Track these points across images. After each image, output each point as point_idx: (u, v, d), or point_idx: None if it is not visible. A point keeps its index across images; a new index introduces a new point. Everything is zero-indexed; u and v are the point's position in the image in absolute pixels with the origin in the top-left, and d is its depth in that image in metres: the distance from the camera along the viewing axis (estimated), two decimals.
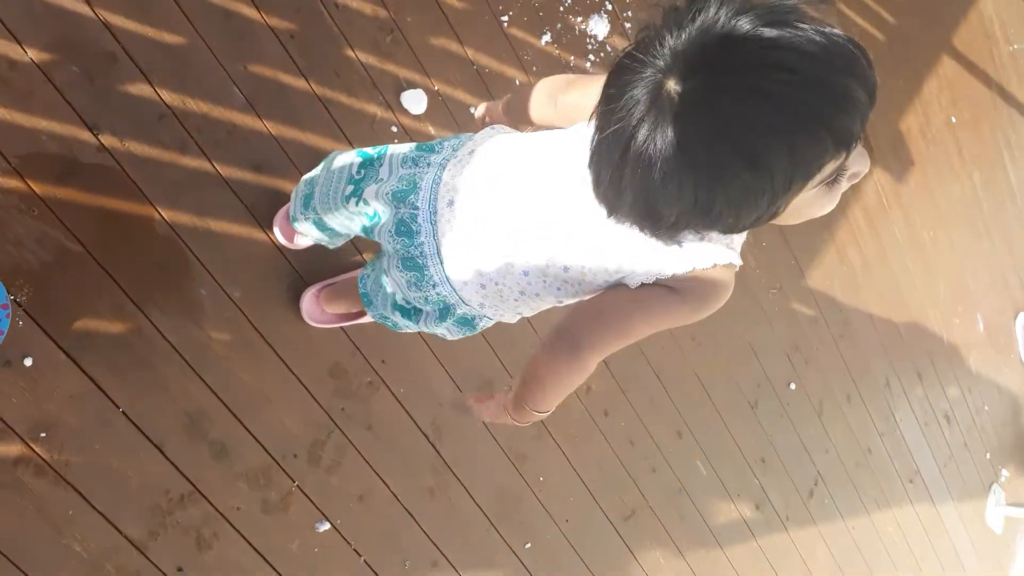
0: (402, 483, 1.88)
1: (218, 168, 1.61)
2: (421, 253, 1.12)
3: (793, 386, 2.87)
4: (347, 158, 1.29)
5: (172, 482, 1.58)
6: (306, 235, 1.49)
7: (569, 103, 1.10)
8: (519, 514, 2.11)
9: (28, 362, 1.43)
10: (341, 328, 1.76)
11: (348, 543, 1.80)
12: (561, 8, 2.16)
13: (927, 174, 3.46)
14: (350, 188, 1.25)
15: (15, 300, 1.42)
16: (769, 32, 0.65)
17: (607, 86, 0.77)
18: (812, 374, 2.95)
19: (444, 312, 1.21)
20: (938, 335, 3.58)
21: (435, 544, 1.94)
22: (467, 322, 1.22)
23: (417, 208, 1.11)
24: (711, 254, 0.87)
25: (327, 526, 1.76)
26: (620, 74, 0.74)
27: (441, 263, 1.11)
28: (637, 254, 0.90)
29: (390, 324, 1.41)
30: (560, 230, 0.98)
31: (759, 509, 2.79)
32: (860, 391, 3.17)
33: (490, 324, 1.23)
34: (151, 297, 1.54)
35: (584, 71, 2.19)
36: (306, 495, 1.73)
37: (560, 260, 0.99)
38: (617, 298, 0.94)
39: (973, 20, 3.73)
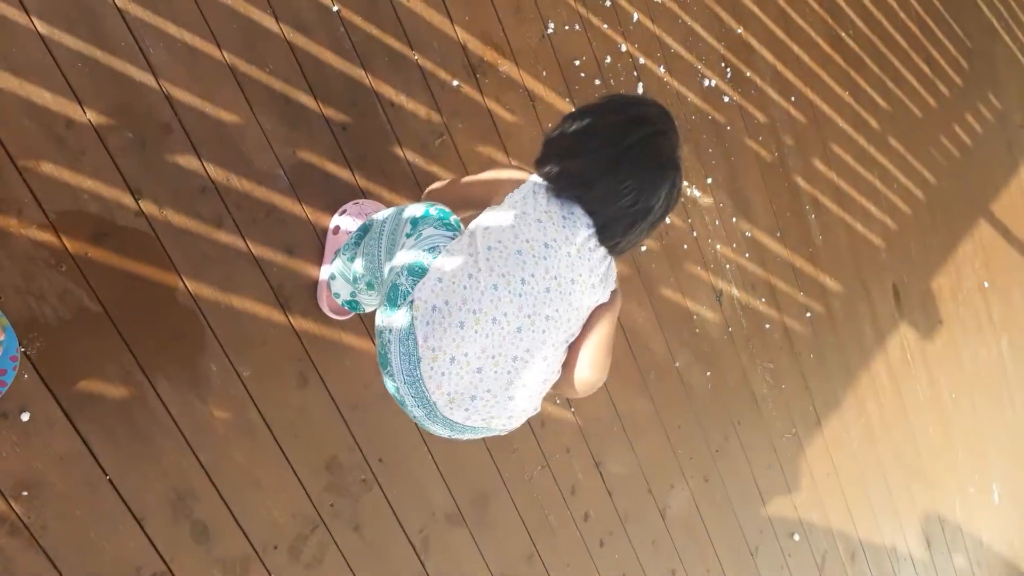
0: None
1: (250, 246, 1.62)
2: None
3: (797, 536, 2.77)
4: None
5: (146, 559, 1.52)
6: (340, 293, 1.63)
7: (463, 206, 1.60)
8: None
9: (25, 417, 1.40)
10: (344, 421, 1.72)
11: None
12: None
13: (955, 335, 3.42)
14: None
15: (25, 352, 1.40)
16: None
17: None
18: (817, 526, 2.85)
19: None
20: (951, 501, 3.46)
21: None
22: None
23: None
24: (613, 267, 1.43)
25: None
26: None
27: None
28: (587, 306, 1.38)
29: None
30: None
31: None
32: (865, 550, 3.04)
33: None
34: (161, 366, 1.52)
35: None
36: None
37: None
38: (602, 332, 1.41)
39: (1014, 188, 3.76)
